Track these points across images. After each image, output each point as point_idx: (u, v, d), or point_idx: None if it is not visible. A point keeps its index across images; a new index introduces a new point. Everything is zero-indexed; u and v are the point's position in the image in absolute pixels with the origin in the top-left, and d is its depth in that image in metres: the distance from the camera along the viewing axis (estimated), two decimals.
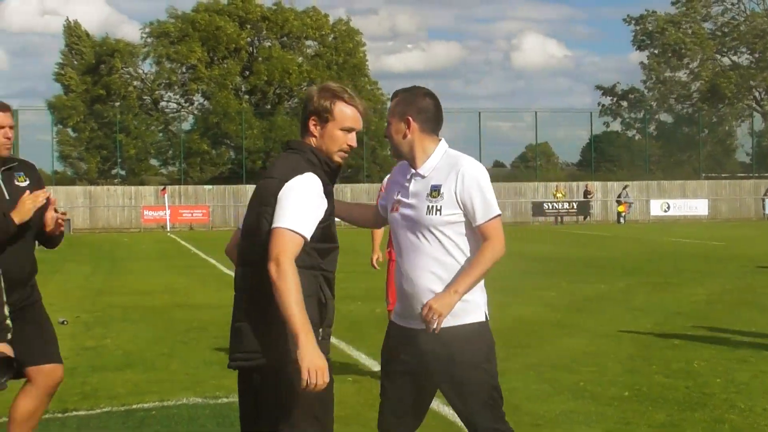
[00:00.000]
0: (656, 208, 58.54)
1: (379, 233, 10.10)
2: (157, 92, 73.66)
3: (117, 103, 68.92)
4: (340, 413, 7.27)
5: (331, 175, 4.55)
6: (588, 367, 10.16)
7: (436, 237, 4.93)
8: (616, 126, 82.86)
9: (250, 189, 55.96)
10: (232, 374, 6.62)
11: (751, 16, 79.42)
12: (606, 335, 12.25)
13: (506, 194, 58.56)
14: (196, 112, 73.89)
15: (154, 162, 72.47)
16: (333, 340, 6.40)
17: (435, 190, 4.93)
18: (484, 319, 5.12)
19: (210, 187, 56.99)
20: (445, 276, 4.93)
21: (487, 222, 4.93)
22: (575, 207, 57.74)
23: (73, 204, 52.74)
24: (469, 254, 4.97)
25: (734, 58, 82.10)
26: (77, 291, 18.99)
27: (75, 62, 72.33)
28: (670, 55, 79.33)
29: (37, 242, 6.28)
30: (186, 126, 71.27)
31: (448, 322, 4.87)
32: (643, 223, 55.95)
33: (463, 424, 5.18)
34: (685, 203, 59.72)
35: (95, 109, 67.71)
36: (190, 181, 62.57)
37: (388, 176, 5.85)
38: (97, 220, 53.76)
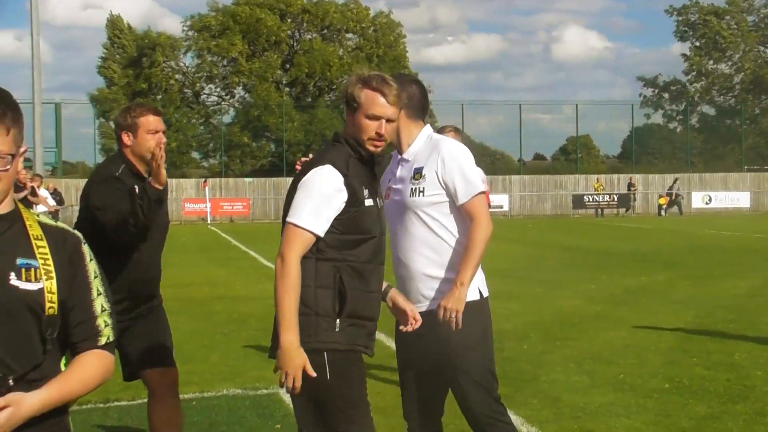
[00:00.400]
0: (698, 200, 58.11)
1: None
2: (198, 85, 74.04)
3: (158, 96, 69.27)
4: (379, 404, 7.29)
5: (365, 163, 4.48)
6: (628, 359, 10.12)
7: (422, 219, 5.01)
8: (657, 118, 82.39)
9: (290, 181, 55.84)
10: (270, 365, 6.62)
11: None
12: (646, 328, 12.18)
13: (546, 187, 58.39)
14: (236, 104, 74.21)
15: (195, 155, 72.90)
16: None
17: (417, 173, 5.04)
18: (478, 297, 5.07)
19: (250, 179, 57.16)
20: (435, 257, 5.01)
21: (470, 200, 4.97)
22: (616, 199, 57.41)
23: None
24: (456, 234, 5.02)
25: None
26: None
27: (117, 56, 72.80)
28: (712, 46, 78.68)
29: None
30: (227, 119, 71.62)
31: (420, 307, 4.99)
32: (685, 215, 55.52)
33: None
34: (727, 195, 59.23)
35: (137, 102, 68.00)
36: (231, 173, 62.82)
37: None
38: None
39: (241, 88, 73.93)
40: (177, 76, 73.30)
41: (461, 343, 4.97)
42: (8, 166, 2.88)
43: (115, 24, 74.07)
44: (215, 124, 71.92)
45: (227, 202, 53.90)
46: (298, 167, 4.88)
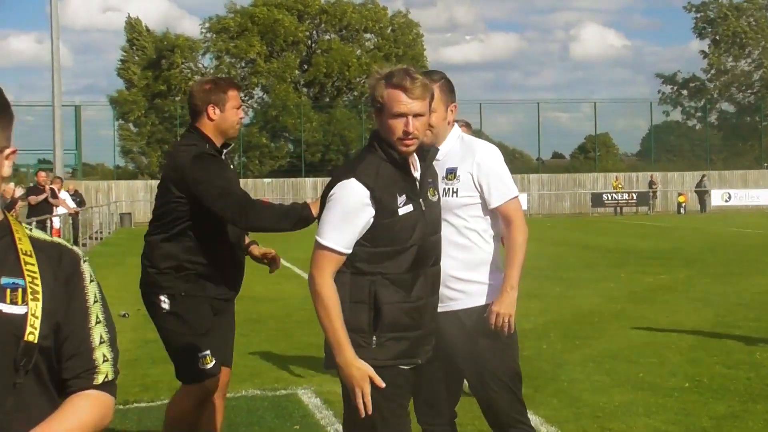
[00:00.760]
0: (717, 198, 57.87)
1: None
2: None
3: (177, 98, 69.42)
4: None
5: (400, 167, 4.28)
6: (648, 358, 10.09)
7: (450, 220, 4.91)
8: (676, 115, 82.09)
9: (309, 182, 56.23)
10: (288, 366, 6.64)
11: None
12: (666, 326, 12.15)
13: (565, 185, 58.29)
14: (255, 105, 74.27)
15: None
16: None
17: (451, 173, 4.98)
18: None
19: (269, 180, 57.28)
20: (462, 257, 4.95)
21: (507, 203, 4.98)
22: (635, 198, 57.26)
23: (134, 198, 53.30)
24: (485, 236, 5.00)
25: None
26: (138, 284, 19.13)
27: (136, 57, 73.00)
28: (731, 43, 78.42)
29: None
30: (245, 120, 71.63)
31: (466, 303, 4.97)
32: (704, 213, 55.31)
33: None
34: (747, 193, 59.00)
35: (156, 104, 68.30)
36: (250, 174, 62.90)
37: None
38: None
39: (259, 88, 74.04)
40: (196, 78, 73.42)
41: (491, 345, 4.97)
42: None
43: (133, 26, 74.24)
44: None
45: None
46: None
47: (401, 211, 4.22)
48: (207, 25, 73.35)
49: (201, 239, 5.67)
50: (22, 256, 2.53)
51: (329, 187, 4.27)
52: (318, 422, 7.79)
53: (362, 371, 4.14)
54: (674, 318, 12.84)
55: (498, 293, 4.93)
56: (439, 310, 4.78)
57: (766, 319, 12.66)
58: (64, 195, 26.72)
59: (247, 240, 6.26)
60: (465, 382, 5.25)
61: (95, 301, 2.65)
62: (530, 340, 11.01)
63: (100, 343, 2.61)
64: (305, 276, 18.67)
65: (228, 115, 5.74)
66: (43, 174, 23.62)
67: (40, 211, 22.24)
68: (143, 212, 53.12)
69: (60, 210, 24.35)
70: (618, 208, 56.57)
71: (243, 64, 72.84)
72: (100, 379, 2.59)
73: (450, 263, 4.87)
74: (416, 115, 4.21)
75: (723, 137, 76.75)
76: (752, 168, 63.96)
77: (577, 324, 12.44)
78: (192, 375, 5.72)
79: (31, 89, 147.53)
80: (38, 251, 2.58)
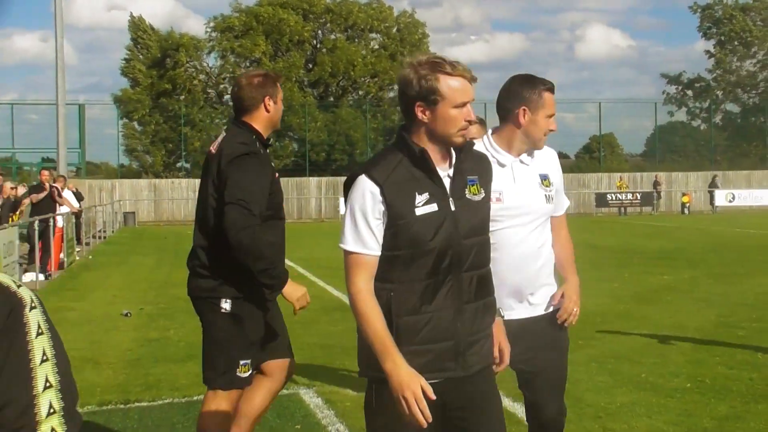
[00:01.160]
0: (721, 198, 57.80)
1: None
2: (222, 86, 74.13)
3: (182, 97, 69.46)
4: None
5: (420, 164, 3.90)
6: (651, 358, 10.08)
7: (541, 224, 5.05)
8: (680, 116, 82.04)
9: (313, 181, 56.24)
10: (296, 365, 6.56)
11: None
12: (669, 326, 12.14)
13: (570, 185, 58.20)
14: None
15: None
16: None
17: (545, 179, 5.05)
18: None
19: None
20: (546, 263, 5.14)
21: (564, 212, 5.29)
22: (639, 198, 57.22)
23: (138, 197, 53.38)
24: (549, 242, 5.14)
25: None
26: (142, 283, 19.20)
27: (141, 56, 73.02)
28: (737, 43, 78.40)
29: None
30: None
31: (538, 310, 5.09)
32: (708, 213, 55.28)
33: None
34: (751, 193, 58.91)
35: (160, 103, 68.30)
36: None
37: None
38: (162, 213, 54.27)
39: None
40: (200, 77, 73.38)
41: (567, 345, 5.27)
42: None
43: (137, 25, 74.25)
44: None
45: None
46: None
47: (420, 211, 3.85)
48: (212, 24, 73.35)
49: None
50: None
51: (346, 187, 3.99)
52: (319, 422, 7.79)
53: (413, 376, 3.75)
54: (677, 318, 12.83)
55: (572, 293, 5.21)
56: (523, 316, 4.99)
57: None
58: (67, 193, 26.72)
59: None
60: None
61: (44, 360, 2.06)
62: None
63: (49, 414, 2.04)
64: (309, 276, 18.84)
65: (280, 107, 5.85)
66: (46, 172, 23.60)
67: (43, 209, 22.24)
68: (147, 211, 53.28)
69: (63, 209, 24.33)
70: (622, 209, 56.51)
71: (248, 64, 72.78)
72: None
73: (535, 269, 5.05)
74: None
75: (728, 137, 76.69)
76: (757, 168, 63.88)
77: (581, 324, 12.34)
78: (228, 381, 5.69)
79: (35, 88, 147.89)
80: None
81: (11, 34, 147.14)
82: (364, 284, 3.86)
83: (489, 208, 4.13)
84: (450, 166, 4.00)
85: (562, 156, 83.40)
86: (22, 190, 25.95)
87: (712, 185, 58.14)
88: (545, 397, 5.14)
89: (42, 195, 22.48)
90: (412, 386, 3.73)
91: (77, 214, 28.08)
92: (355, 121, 66.09)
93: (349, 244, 3.89)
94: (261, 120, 5.76)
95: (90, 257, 26.80)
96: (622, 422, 7.55)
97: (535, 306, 5.06)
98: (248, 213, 5.34)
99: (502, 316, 4.59)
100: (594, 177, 60.18)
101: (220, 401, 5.72)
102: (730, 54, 79.26)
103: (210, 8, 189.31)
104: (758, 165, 66.01)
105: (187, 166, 67.19)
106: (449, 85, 3.87)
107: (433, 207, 3.87)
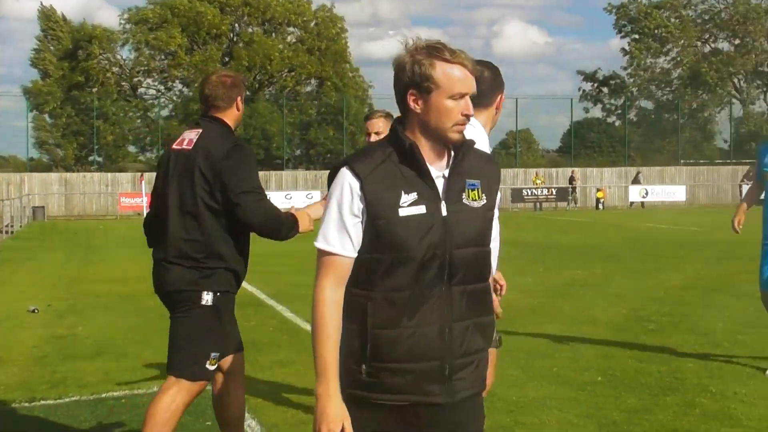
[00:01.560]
0: (635, 194, 58.61)
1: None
2: (135, 78, 73.37)
3: (95, 89, 68.54)
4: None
5: (410, 161, 3.54)
6: (563, 352, 10.14)
7: None
8: (596, 112, 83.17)
9: None
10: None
11: (733, 4, 79.80)
12: (582, 321, 12.23)
13: None
14: (175, 98, 73.63)
15: (132, 149, 72.31)
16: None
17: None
18: None
19: None
20: None
21: None
22: (554, 193, 57.76)
23: (48, 191, 52.47)
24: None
25: (715, 45, 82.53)
26: (50, 279, 18.84)
27: (51, 48, 71.91)
28: (651, 40, 79.64)
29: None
30: (165, 113, 70.99)
31: None
32: (622, 209, 56.03)
33: None
34: (664, 189, 59.84)
35: (72, 95, 67.32)
36: None
37: None
38: (73, 207, 53.39)
39: (179, 81, 73.43)
40: (114, 69, 72.58)
41: None
42: None
43: (48, 16, 73.08)
44: (153, 117, 71.29)
45: None
46: None
47: (404, 212, 3.47)
48: (126, 16, 72.53)
49: (230, 232, 5.75)
50: None
51: (329, 180, 3.66)
52: None
53: (339, 412, 3.44)
54: (590, 313, 12.93)
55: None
56: None
57: (679, 313, 12.82)
58: None
59: None
60: None
61: None
62: None
63: None
64: None
65: (242, 110, 6.14)
66: None
67: None
68: (57, 205, 52.41)
69: None
70: (538, 204, 56.98)
71: (163, 57, 72.11)
72: None
73: None
74: (469, 96, 3.58)
75: (642, 134, 77.86)
76: (669, 164, 64.90)
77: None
78: (196, 372, 5.76)
79: None
80: None
81: None
82: (330, 291, 3.51)
83: (492, 217, 3.71)
84: (447, 166, 3.61)
85: None
86: None
87: (635, 181, 58.93)
88: None
89: None
90: (332, 424, 3.43)
91: None
92: (271, 115, 65.82)
93: (321, 241, 3.55)
94: (232, 118, 5.98)
95: None
96: (533, 416, 7.57)
97: None
98: (261, 197, 5.68)
99: (498, 346, 4.17)
100: (510, 172, 60.55)
101: (182, 391, 5.74)
102: (645, 51, 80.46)
103: (124, 0, 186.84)
104: (671, 161, 67.07)
105: (100, 159, 66.32)
106: (446, 72, 3.51)
107: (421, 209, 3.48)
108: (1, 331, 12.07)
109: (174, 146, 5.91)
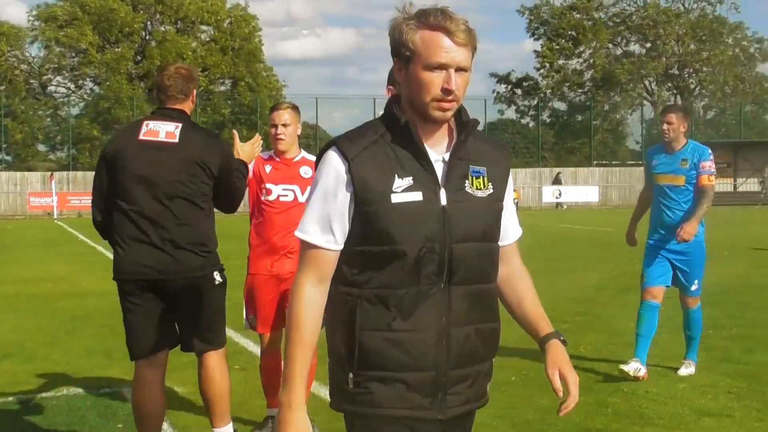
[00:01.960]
0: (548, 194, 59.27)
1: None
2: (45, 76, 72.26)
3: (2, 87, 67.34)
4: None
5: (406, 142, 3.15)
6: None
7: None
8: (510, 113, 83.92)
9: None
10: (115, 364, 6.41)
11: (644, 7, 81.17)
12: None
13: None
14: (86, 96, 72.70)
15: (41, 147, 71.22)
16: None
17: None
18: None
19: None
20: None
21: None
22: None
23: None
24: None
25: (627, 48, 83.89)
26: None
27: None
28: (564, 41, 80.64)
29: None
30: (75, 111, 70.05)
31: None
32: (536, 209, 56.62)
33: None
34: (576, 190, 60.59)
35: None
36: (80, 167, 61.42)
37: None
38: None
39: (90, 80, 72.51)
40: (23, 67, 71.39)
41: None
42: None
43: None
44: (63, 116, 70.26)
45: (75, 196, 52.61)
46: None
47: (397, 198, 3.08)
48: (35, 12, 71.41)
49: (211, 214, 6.17)
50: None
51: (317, 163, 3.27)
52: None
53: (301, 426, 3.09)
54: (505, 312, 12.95)
55: None
56: None
57: (593, 312, 12.96)
58: None
59: None
60: None
61: None
62: None
63: None
64: None
65: (194, 102, 6.37)
66: None
67: None
68: None
69: None
70: None
71: (74, 54, 71.14)
72: None
73: None
74: (459, 69, 3.14)
75: (555, 135, 78.76)
76: (582, 165, 65.74)
77: None
78: (222, 339, 6.31)
79: None
80: None
81: None
82: (310, 288, 3.14)
83: (500, 209, 3.31)
84: (448, 150, 3.23)
85: None
86: None
87: (556, 181, 59.58)
88: None
89: None
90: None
91: None
92: None
93: (302, 231, 3.17)
94: (189, 109, 6.23)
95: None
96: None
97: None
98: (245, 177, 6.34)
99: (563, 341, 3.49)
100: None
101: (224, 360, 6.33)
102: (558, 53, 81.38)
103: None
104: (584, 162, 67.96)
105: (8, 158, 65.12)
106: (424, 38, 3.12)
107: (417, 196, 3.10)
108: None
109: (142, 137, 5.94)
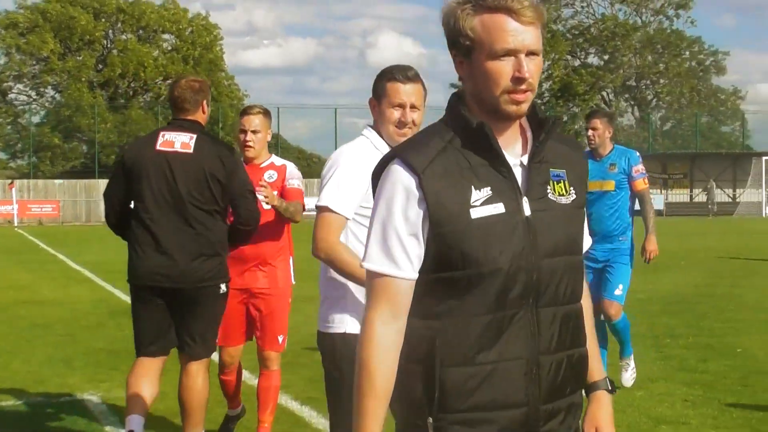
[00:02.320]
0: None
1: None
2: (6, 84, 71.77)
3: None
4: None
5: (483, 146, 2.72)
6: None
7: None
8: None
9: (102, 183, 54.91)
10: (75, 373, 6.43)
11: (602, 20, 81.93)
12: None
13: None
14: (47, 104, 72.30)
15: (1, 155, 70.91)
16: None
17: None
18: None
19: (60, 181, 55.78)
20: None
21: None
22: None
23: None
24: None
25: (585, 59, 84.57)
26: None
27: None
28: None
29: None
30: (36, 119, 69.64)
31: None
32: None
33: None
34: None
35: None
36: (41, 175, 61.14)
37: None
38: None
39: (51, 87, 72.11)
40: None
41: None
42: None
43: None
44: (24, 124, 69.85)
45: (36, 204, 52.39)
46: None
47: (477, 213, 2.67)
48: None
49: (224, 227, 6.31)
50: None
51: (374, 178, 2.86)
52: (103, 429, 7.60)
53: None
54: None
55: None
56: None
57: None
58: None
59: None
60: None
61: None
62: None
63: None
64: (96, 279, 18.33)
65: (208, 113, 6.49)
66: None
67: None
68: None
69: None
70: None
71: (35, 62, 70.73)
72: None
73: None
74: (529, 53, 2.69)
75: None
76: None
77: None
78: (212, 349, 6.45)
79: None
80: None
81: None
82: (382, 325, 2.67)
83: (583, 217, 2.91)
84: (525, 152, 2.83)
85: None
86: None
87: None
88: None
89: None
90: None
91: None
92: (146, 122, 65.06)
93: (369, 259, 2.72)
94: (201, 120, 6.37)
95: None
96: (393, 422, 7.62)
97: None
98: (255, 197, 6.33)
99: (611, 390, 3.07)
100: None
101: (206, 371, 6.39)
102: None
103: None
104: None
105: None
106: (484, 22, 2.67)
107: (498, 208, 2.69)
108: None
109: (159, 147, 6.17)
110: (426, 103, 4.49)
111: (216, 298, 6.26)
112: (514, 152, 2.77)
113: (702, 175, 66.54)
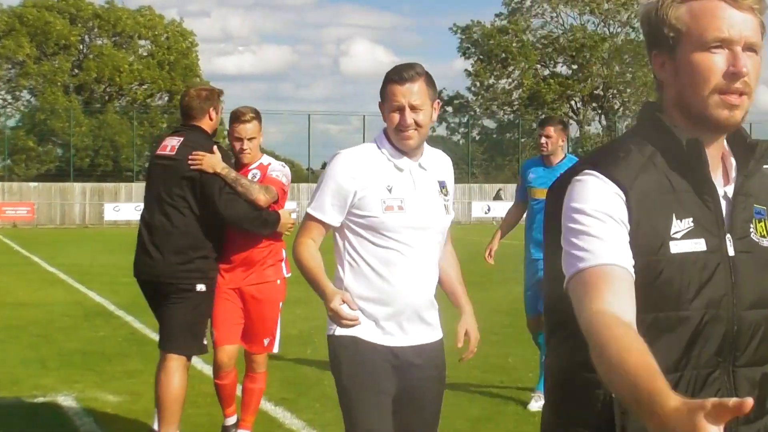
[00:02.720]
0: (477, 210, 59.82)
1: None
2: None
3: None
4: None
5: (688, 162, 2.24)
6: None
7: (438, 241, 4.58)
8: (441, 131, 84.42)
9: (77, 186, 54.76)
10: (49, 373, 6.54)
11: (571, 30, 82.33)
12: None
13: None
14: (22, 108, 71.92)
15: None
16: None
17: (444, 187, 4.59)
18: None
19: (35, 184, 55.47)
20: (434, 282, 4.71)
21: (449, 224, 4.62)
22: None
23: None
24: None
25: (554, 69, 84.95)
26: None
27: None
28: (494, 63, 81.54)
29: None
30: (11, 122, 69.24)
31: (435, 335, 4.70)
32: (465, 224, 57.04)
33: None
34: (504, 205, 60.99)
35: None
36: (15, 178, 60.72)
37: None
38: None
39: (27, 91, 71.75)
40: None
41: (443, 375, 4.79)
42: None
43: None
44: None
45: (10, 207, 52.04)
46: None
47: (676, 248, 2.23)
48: None
49: (209, 226, 6.53)
50: None
51: (553, 194, 2.40)
52: (77, 430, 7.67)
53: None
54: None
55: (471, 319, 4.85)
56: (422, 342, 4.49)
57: (520, 325, 13.12)
58: None
59: None
60: None
61: None
62: (295, 345, 11.16)
63: None
64: (71, 282, 18.37)
65: (218, 119, 6.86)
66: None
67: None
68: None
69: None
70: None
71: (10, 66, 70.37)
72: None
73: (432, 288, 4.54)
74: (747, 48, 2.22)
75: (484, 152, 79.52)
76: (510, 182, 66.36)
77: (323, 331, 12.60)
78: (195, 348, 6.62)
79: None
80: None
81: None
82: (606, 305, 2.10)
83: None
84: (728, 180, 2.36)
85: (325, 167, 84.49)
86: None
87: (497, 197, 60.13)
88: None
89: None
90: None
91: None
92: (120, 126, 64.83)
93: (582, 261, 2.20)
94: (207, 125, 6.73)
95: None
96: None
97: (432, 329, 4.63)
98: (235, 195, 6.43)
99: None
100: None
101: (183, 367, 6.52)
102: (488, 72, 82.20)
103: None
104: (511, 179, 68.58)
105: None
106: (693, 10, 2.23)
107: (700, 244, 2.25)
108: None
109: (158, 152, 6.67)
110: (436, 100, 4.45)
111: (193, 296, 6.48)
112: (717, 179, 2.32)
113: None
